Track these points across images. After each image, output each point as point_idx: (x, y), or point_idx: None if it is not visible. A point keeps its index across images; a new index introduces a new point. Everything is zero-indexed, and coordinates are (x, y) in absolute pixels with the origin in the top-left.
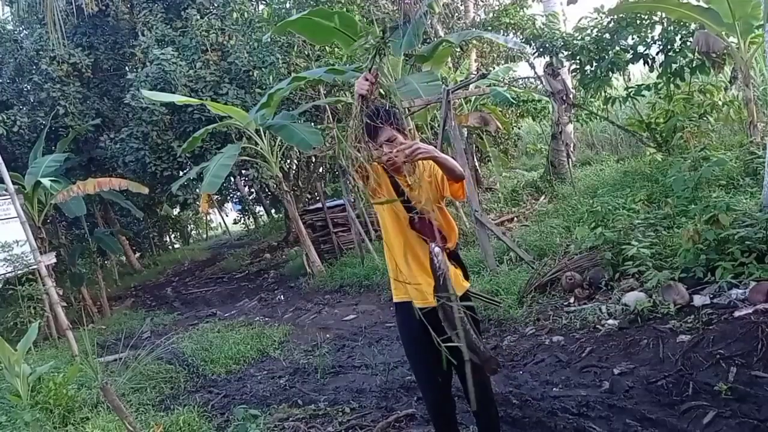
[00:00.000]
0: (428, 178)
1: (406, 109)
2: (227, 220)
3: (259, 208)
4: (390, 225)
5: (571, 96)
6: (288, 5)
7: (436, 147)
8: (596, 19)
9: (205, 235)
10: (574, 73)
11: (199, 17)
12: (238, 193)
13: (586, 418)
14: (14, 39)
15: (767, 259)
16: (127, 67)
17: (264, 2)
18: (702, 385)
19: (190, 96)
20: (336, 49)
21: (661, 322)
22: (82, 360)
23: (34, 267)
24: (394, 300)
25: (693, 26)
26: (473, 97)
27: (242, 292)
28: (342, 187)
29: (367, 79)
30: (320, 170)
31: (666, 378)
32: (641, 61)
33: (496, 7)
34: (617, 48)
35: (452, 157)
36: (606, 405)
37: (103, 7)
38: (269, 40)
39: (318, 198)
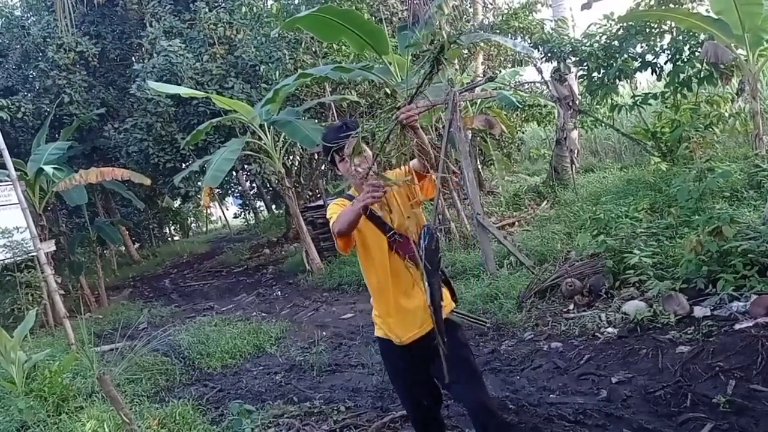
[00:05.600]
0: (397, 191)
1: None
2: (227, 214)
3: (260, 203)
4: (366, 254)
5: (577, 102)
6: (297, 1)
7: (440, 149)
8: (605, 26)
9: (204, 229)
10: (581, 79)
11: (207, 10)
12: (240, 188)
13: (583, 425)
14: (21, 25)
15: None
16: (133, 58)
17: None
18: (700, 396)
19: (196, 89)
20: (343, 47)
21: (661, 332)
22: (78, 349)
23: (34, 254)
24: (375, 334)
25: (702, 36)
26: (479, 100)
27: (240, 286)
28: (343, 186)
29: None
30: (322, 167)
31: (664, 388)
32: (649, 69)
33: (505, 11)
34: (625, 56)
35: (456, 160)
36: (603, 413)
37: None
38: (277, 35)
39: (319, 195)
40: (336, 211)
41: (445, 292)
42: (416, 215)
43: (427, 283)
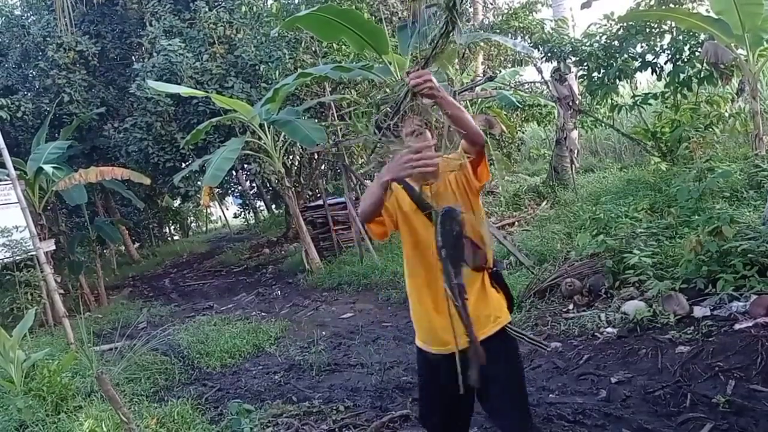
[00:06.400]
0: (452, 178)
1: None
2: (227, 213)
3: (260, 203)
4: (413, 249)
5: (577, 102)
6: (297, 1)
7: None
8: (605, 25)
9: (204, 228)
10: (581, 79)
11: (207, 9)
12: (240, 187)
13: (582, 425)
14: (22, 24)
15: None
16: (133, 57)
17: None
18: (700, 396)
19: (196, 88)
20: (343, 47)
21: (661, 332)
22: (78, 348)
23: (33, 253)
24: (417, 345)
25: (702, 36)
26: (479, 100)
27: (240, 286)
28: (344, 185)
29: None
30: (322, 167)
31: (664, 388)
32: (649, 69)
33: (505, 10)
34: (625, 55)
35: None
36: (602, 413)
37: None
38: (277, 35)
39: (319, 195)
40: None
41: (501, 300)
42: (474, 207)
43: (447, 278)
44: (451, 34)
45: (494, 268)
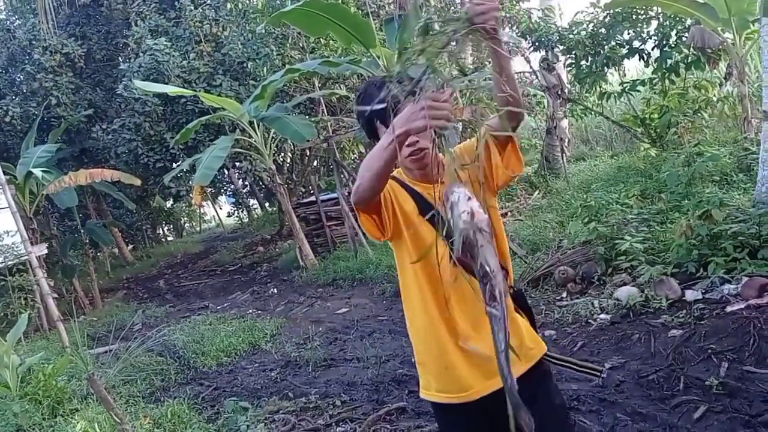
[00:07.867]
0: (463, 175)
1: None
2: (221, 212)
3: (253, 201)
4: (429, 268)
5: (566, 91)
6: None
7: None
8: (592, 13)
9: (198, 228)
10: (569, 68)
11: (192, 8)
12: (232, 186)
13: (577, 411)
14: (7, 28)
15: (760, 255)
16: (120, 58)
17: None
18: (693, 379)
19: (184, 87)
20: (331, 42)
21: (653, 316)
22: (73, 351)
23: (25, 258)
24: (428, 398)
25: (689, 21)
26: (468, 91)
27: (235, 285)
28: (336, 181)
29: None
30: (314, 163)
31: (657, 372)
32: (636, 56)
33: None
34: (613, 43)
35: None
36: (597, 399)
37: None
38: (263, 31)
39: (312, 191)
40: None
41: (529, 327)
42: (490, 213)
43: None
44: None
45: (515, 288)
